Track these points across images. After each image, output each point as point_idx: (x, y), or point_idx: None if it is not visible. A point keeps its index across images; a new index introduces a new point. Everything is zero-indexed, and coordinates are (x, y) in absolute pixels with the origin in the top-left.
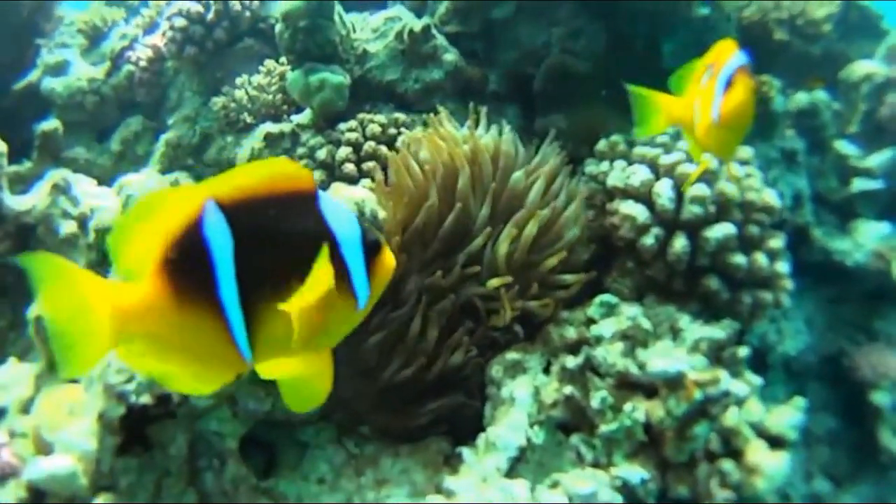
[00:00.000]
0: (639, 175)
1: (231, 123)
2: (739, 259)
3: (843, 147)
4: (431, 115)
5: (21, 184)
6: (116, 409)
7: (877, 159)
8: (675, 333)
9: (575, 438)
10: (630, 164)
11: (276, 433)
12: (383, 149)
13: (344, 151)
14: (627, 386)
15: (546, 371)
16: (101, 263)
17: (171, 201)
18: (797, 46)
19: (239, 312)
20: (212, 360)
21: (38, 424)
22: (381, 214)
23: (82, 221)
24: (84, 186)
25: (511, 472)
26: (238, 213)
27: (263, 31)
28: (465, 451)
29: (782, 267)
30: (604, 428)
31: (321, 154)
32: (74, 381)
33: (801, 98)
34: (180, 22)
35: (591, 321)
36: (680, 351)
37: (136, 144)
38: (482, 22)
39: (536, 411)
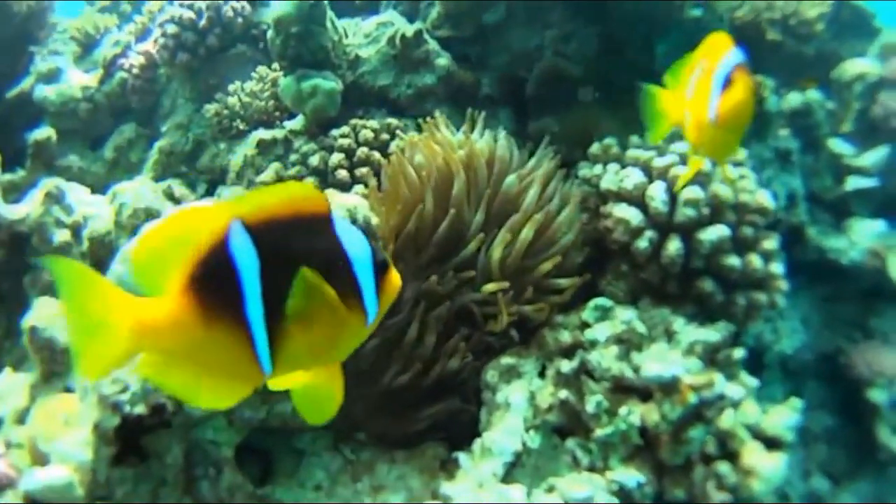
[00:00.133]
0: (632, 178)
1: (224, 130)
2: (734, 261)
3: (837, 146)
4: (428, 119)
5: (15, 192)
6: (111, 419)
7: (871, 158)
8: (670, 336)
9: (571, 442)
10: (623, 167)
11: (273, 440)
12: (376, 154)
13: (337, 157)
14: (622, 389)
15: (541, 375)
16: (95, 270)
17: (196, 220)
18: (790, 46)
19: (263, 329)
20: (232, 375)
21: (33, 435)
22: (374, 220)
23: (76, 230)
24: (77, 194)
25: (507, 477)
26: (262, 233)
27: (256, 38)
28: (462, 457)
29: (777, 268)
30: (599, 432)
31: (314, 160)
32: (69, 390)
33: (794, 98)
34: (172, 28)
35: (585, 325)
36: (675, 354)
37: (130, 152)
38: (474, 26)
39: (532, 416)
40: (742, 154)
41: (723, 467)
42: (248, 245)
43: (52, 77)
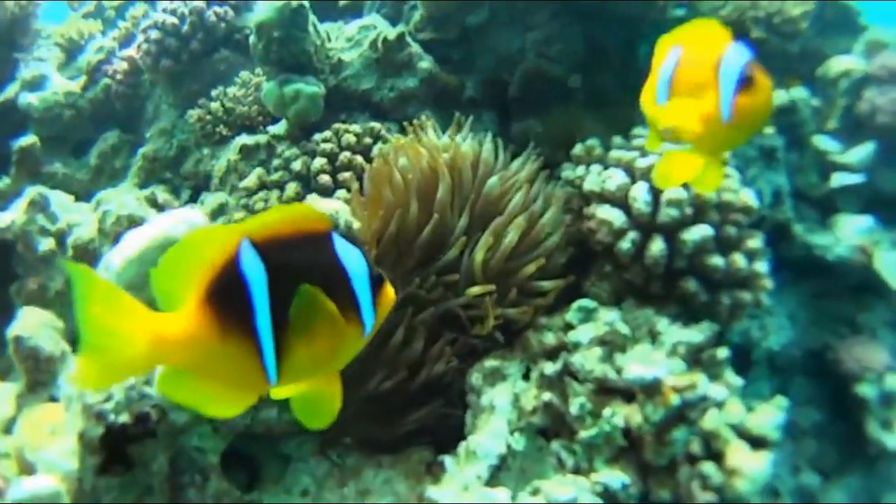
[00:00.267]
0: (615, 179)
1: (207, 136)
2: (717, 260)
3: (823, 143)
4: (415, 122)
5: (0, 200)
6: (96, 428)
7: (856, 154)
8: (654, 337)
9: (555, 444)
10: (606, 167)
11: (258, 446)
12: (358, 159)
13: (319, 162)
14: (606, 391)
15: (525, 377)
16: None
17: (210, 240)
18: (775, 44)
19: (271, 340)
20: (240, 385)
21: (20, 445)
22: (356, 225)
23: (60, 237)
24: (61, 202)
25: (492, 480)
26: (269, 250)
27: (239, 42)
28: (447, 460)
29: (761, 266)
30: (583, 434)
31: (296, 165)
32: (54, 399)
33: (779, 95)
34: (155, 34)
35: (569, 326)
36: (658, 355)
37: (114, 158)
38: (457, 28)
39: (516, 418)
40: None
41: (708, 467)
42: (257, 262)
43: (36, 84)
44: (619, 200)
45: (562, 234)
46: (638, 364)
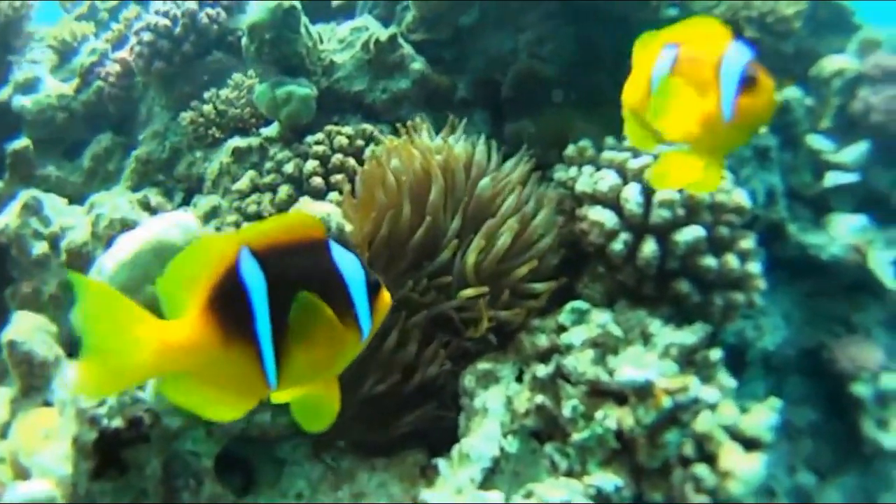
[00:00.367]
0: (607, 180)
1: (200, 138)
2: (710, 261)
3: (816, 142)
4: (409, 123)
5: None
6: (89, 433)
7: (850, 153)
8: (646, 339)
9: (549, 447)
10: (598, 169)
11: (253, 450)
12: (351, 161)
13: (311, 165)
14: (599, 393)
15: (519, 379)
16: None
17: (210, 250)
18: (768, 44)
19: (271, 346)
20: (241, 389)
21: (15, 449)
22: (348, 228)
23: (53, 241)
24: (55, 205)
25: (486, 483)
26: (268, 258)
27: (231, 44)
28: (441, 463)
29: (754, 267)
30: (576, 436)
31: (289, 168)
32: (48, 404)
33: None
34: (148, 36)
35: (562, 328)
36: (651, 357)
37: (107, 161)
38: (450, 29)
39: (510, 420)
40: None
41: (701, 470)
42: (256, 269)
43: (30, 86)
44: (611, 201)
45: (554, 236)
46: (630, 367)
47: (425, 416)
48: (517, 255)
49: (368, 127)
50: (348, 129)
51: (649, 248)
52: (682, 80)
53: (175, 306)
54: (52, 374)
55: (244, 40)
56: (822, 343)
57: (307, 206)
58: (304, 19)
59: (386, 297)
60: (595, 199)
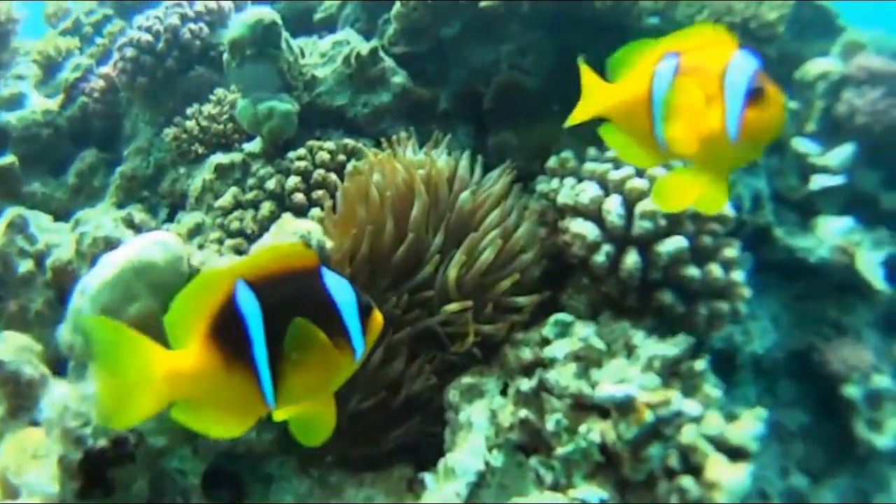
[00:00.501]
0: (588, 192)
1: (183, 154)
2: (693, 271)
3: (802, 145)
4: (394, 137)
5: None
6: (74, 453)
7: (836, 156)
8: (630, 351)
9: (534, 461)
10: (580, 180)
11: (242, 467)
12: (332, 176)
13: (293, 181)
14: (582, 407)
15: (503, 393)
16: (59, 301)
17: (209, 284)
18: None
19: (268, 370)
20: (242, 409)
21: (4, 468)
22: (329, 245)
23: (39, 259)
24: (40, 223)
25: (471, 497)
26: (263, 288)
27: (214, 59)
28: (427, 477)
29: (738, 276)
30: (560, 450)
31: (270, 184)
32: (35, 424)
33: None
34: (131, 52)
35: (546, 341)
36: (634, 370)
37: (92, 177)
38: (432, 42)
39: (494, 434)
40: None
41: (686, 482)
42: (252, 299)
43: (15, 102)
44: (593, 213)
45: (537, 249)
46: (609, 382)
47: (412, 431)
48: (499, 268)
49: (350, 141)
50: (330, 144)
51: (631, 259)
52: (692, 83)
53: (180, 337)
54: (39, 394)
55: (225, 56)
56: (811, 345)
57: (288, 224)
58: (285, 34)
59: (378, 318)
60: (577, 211)
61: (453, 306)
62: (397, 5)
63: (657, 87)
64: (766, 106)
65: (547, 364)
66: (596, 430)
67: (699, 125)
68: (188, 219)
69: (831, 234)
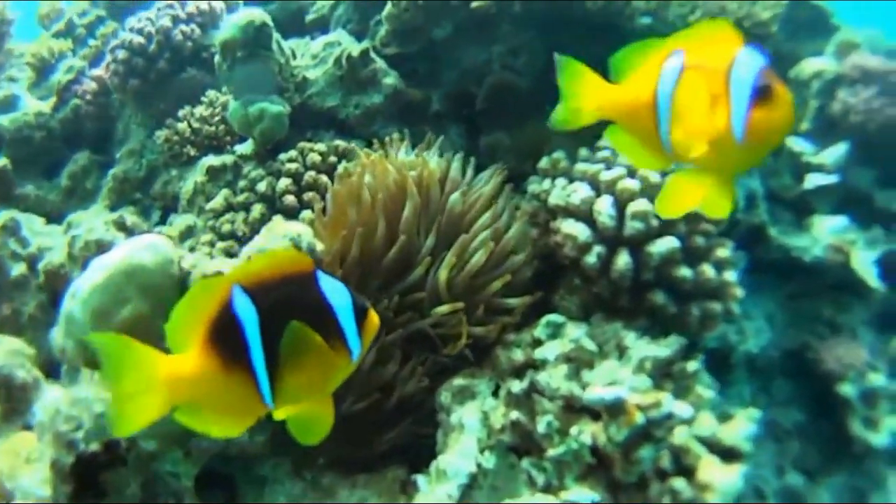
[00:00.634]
0: (579, 193)
1: (175, 156)
2: (685, 272)
3: (796, 144)
4: (387, 139)
5: None
6: (67, 457)
7: (830, 155)
8: (622, 352)
9: (526, 462)
10: (571, 181)
11: (236, 469)
12: (323, 178)
13: (284, 183)
14: (574, 409)
15: (495, 395)
16: (52, 304)
17: (207, 291)
18: None
19: (265, 372)
20: (241, 410)
21: None
22: (319, 247)
23: (31, 262)
24: (32, 226)
25: (464, 498)
26: (258, 293)
27: (206, 61)
28: (420, 479)
29: (731, 276)
30: (552, 452)
31: (261, 186)
32: (28, 428)
33: None
34: (123, 54)
35: (537, 342)
36: (625, 371)
37: (85, 180)
38: (423, 42)
39: (486, 436)
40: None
41: (678, 483)
42: (248, 304)
43: (8, 105)
44: (584, 214)
45: (528, 251)
46: (599, 385)
47: (405, 433)
48: (490, 269)
49: (341, 143)
50: (321, 146)
51: (623, 260)
52: (697, 81)
53: (181, 344)
54: (32, 398)
55: (217, 58)
56: (806, 344)
57: (278, 226)
58: (276, 35)
59: (374, 319)
60: (568, 211)
61: (444, 308)
62: (389, 6)
63: (662, 88)
64: (774, 106)
65: (538, 366)
66: (587, 432)
67: (705, 126)
68: (180, 221)
69: (826, 232)
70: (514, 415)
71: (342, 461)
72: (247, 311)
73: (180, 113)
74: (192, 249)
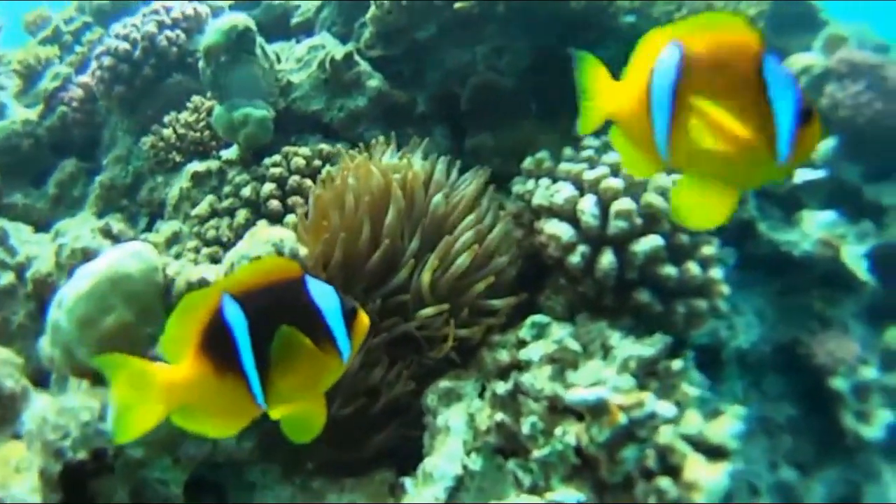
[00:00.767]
0: (563, 193)
1: (161, 163)
2: (669, 270)
3: None
4: (372, 142)
5: None
6: (54, 465)
7: (819, 149)
8: (606, 351)
9: (512, 463)
10: (555, 181)
11: (225, 475)
12: (308, 182)
13: (268, 188)
14: (558, 409)
15: (481, 396)
16: (41, 312)
17: (197, 301)
18: None
19: (256, 375)
20: (234, 412)
21: None
22: (302, 252)
23: (19, 271)
24: (20, 235)
25: (451, 500)
26: (247, 300)
27: (191, 66)
28: (408, 482)
29: (716, 273)
30: (537, 453)
31: (246, 191)
32: (17, 437)
33: None
34: (108, 61)
35: (522, 343)
36: (609, 371)
37: (72, 187)
38: (407, 44)
39: (472, 438)
40: None
41: (663, 482)
42: (237, 311)
43: None
44: (568, 214)
45: (513, 252)
46: (582, 385)
47: (392, 436)
48: (474, 271)
49: (325, 147)
50: (305, 150)
51: (607, 259)
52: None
53: (176, 354)
54: (21, 407)
55: (201, 63)
56: (797, 339)
57: (262, 232)
58: (260, 40)
59: (363, 320)
60: (552, 211)
61: (428, 311)
62: (372, 8)
63: (657, 86)
64: (814, 127)
65: (523, 367)
66: (571, 433)
67: (725, 139)
68: (166, 227)
69: (815, 227)
70: (500, 416)
71: (330, 465)
72: (236, 318)
73: (166, 119)
74: (178, 256)
